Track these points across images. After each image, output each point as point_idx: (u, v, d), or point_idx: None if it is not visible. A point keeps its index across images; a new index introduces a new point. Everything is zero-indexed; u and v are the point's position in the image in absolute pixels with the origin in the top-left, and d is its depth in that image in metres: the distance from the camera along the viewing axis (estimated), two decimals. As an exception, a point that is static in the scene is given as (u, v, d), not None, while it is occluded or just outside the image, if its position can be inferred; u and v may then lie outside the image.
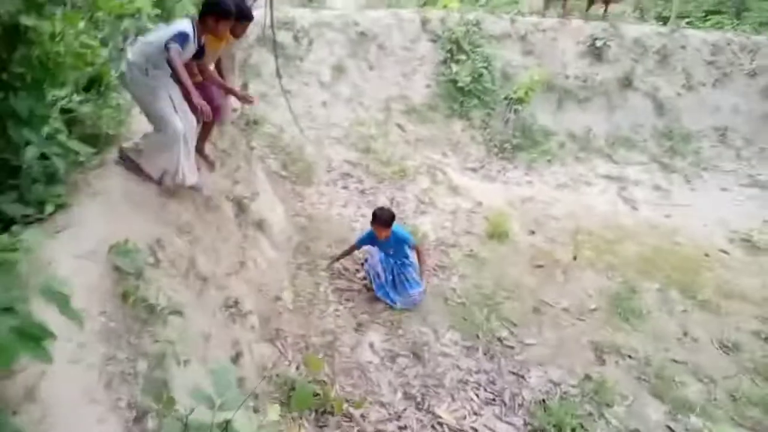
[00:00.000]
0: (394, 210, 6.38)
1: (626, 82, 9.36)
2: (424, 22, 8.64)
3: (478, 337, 4.54)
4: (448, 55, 8.51)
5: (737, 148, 9.43)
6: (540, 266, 5.73)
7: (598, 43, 9.29)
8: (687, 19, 12.48)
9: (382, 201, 6.53)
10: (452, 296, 5.01)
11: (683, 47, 9.84)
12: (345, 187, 6.75)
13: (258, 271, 4.22)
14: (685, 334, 4.98)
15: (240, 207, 4.53)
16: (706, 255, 6.40)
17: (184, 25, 3.28)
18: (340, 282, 4.89)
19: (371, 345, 4.22)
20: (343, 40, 8.10)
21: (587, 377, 4.26)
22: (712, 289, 5.72)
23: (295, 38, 7.80)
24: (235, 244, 4.13)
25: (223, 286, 3.63)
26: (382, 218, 4.70)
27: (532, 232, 6.37)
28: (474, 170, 7.77)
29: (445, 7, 9.03)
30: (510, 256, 5.80)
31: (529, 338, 4.64)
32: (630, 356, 4.60)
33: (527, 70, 8.88)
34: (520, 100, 8.51)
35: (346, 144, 7.59)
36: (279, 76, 6.89)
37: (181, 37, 3.16)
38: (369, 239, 4.93)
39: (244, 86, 5.31)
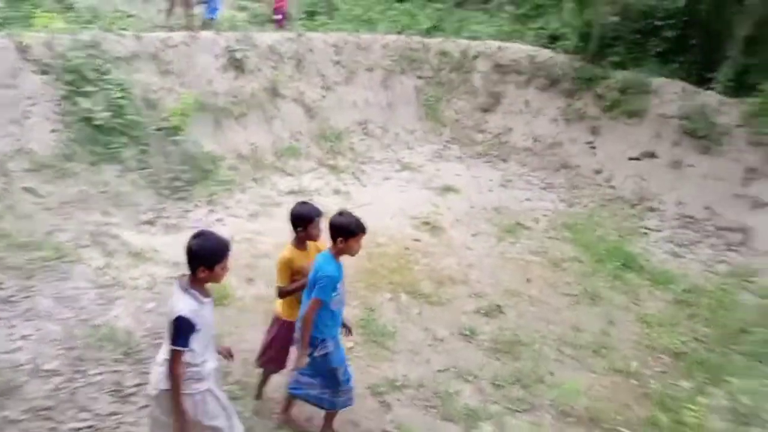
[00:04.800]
0: (71, 311, 4.79)
1: (274, 91, 9.21)
2: (23, 50, 6.57)
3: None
4: (71, 88, 6.71)
5: (379, 137, 10.46)
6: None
7: (237, 55, 8.82)
8: (300, 21, 13.19)
9: (46, 306, 4.71)
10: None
11: (311, 50, 10.24)
12: (-23, 303, 4.63)
13: None
14: (434, 338, 5.12)
15: None
16: (407, 249, 6.80)
17: None
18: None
19: None
20: None
21: (387, 434, 3.91)
22: (428, 281, 6.09)
23: None
24: None
25: None
26: (354, 223, 3.35)
27: (251, 281, 5.61)
28: (151, 223, 6.43)
29: (45, 27, 7.05)
30: (242, 319, 4.93)
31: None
32: (405, 386, 4.43)
33: (172, 93, 7.80)
34: (176, 129, 7.41)
35: (-47, 235, 5.26)
36: None
37: None
38: (338, 272, 3.31)
39: None
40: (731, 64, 9.63)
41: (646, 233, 8.16)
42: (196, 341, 2.64)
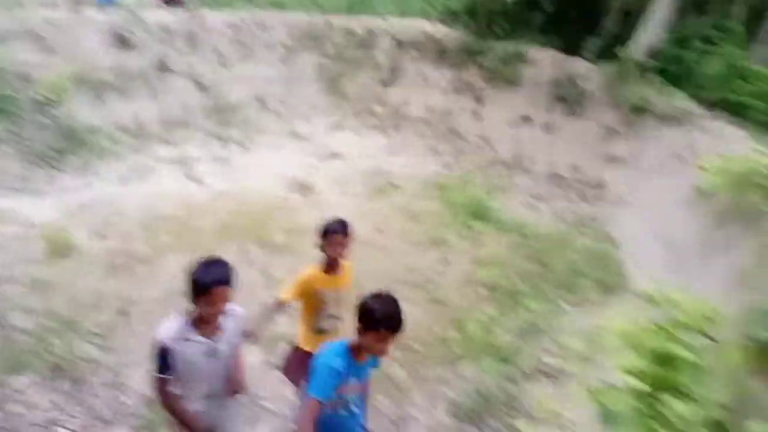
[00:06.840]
0: None
1: (163, 66, 9.43)
2: None
3: (60, 367, 4.04)
4: (-67, 61, 6.89)
5: (277, 111, 10.78)
6: (118, 267, 5.43)
7: (123, 33, 9.02)
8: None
9: None
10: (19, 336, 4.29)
11: (206, 29, 10.47)
12: None
13: None
14: (269, 279, 5.56)
15: None
16: (273, 206, 7.20)
17: None
18: None
19: None
20: None
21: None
22: (281, 233, 6.52)
23: None
24: None
25: None
26: (397, 314, 2.43)
27: (103, 237, 5.94)
28: (17, 189, 6.67)
29: None
30: (81, 268, 5.28)
31: (118, 343, 4.39)
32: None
33: (50, 69, 7.98)
34: (51, 102, 7.63)
35: None
36: None
37: None
38: (346, 369, 2.51)
39: None
40: (603, 35, 10.30)
41: (512, 191, 8.77)
42: (177, 370, 2.49)
